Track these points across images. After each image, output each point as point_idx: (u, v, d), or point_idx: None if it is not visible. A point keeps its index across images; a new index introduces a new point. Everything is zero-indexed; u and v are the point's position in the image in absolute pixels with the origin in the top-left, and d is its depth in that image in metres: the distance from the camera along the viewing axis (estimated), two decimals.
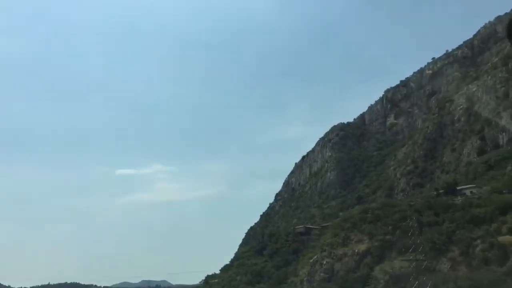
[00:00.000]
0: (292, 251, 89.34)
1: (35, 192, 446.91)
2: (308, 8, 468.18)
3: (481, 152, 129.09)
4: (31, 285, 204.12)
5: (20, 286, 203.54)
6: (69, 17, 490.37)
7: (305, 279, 68.89)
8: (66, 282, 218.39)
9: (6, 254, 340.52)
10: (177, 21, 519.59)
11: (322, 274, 65.42)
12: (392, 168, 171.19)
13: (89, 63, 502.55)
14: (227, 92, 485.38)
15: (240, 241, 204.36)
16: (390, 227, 66.02)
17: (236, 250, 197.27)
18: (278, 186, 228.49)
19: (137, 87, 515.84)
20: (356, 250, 64.91)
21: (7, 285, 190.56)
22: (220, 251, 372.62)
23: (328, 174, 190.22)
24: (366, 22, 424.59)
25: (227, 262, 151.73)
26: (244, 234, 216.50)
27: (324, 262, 66.74)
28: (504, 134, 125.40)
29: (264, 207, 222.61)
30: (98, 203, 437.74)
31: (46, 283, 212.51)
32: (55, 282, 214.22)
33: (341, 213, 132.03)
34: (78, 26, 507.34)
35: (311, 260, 70.00)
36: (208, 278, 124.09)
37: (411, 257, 57.58)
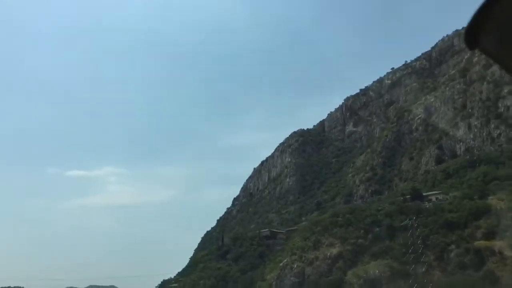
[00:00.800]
0: (257, 255, 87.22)
1: None
2: (270, 15, 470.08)
3: (439, 161, 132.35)
4: None
5: None
6: (13, 17, 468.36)
7: (273, 283, 66.87)
8: (10, 287, 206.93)
9: None
10: (129, 20, 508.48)
11: (292, 278, 63.62)
12: (350, 175, 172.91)
13: (36, 61, 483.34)
14: (182, 95, 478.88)
15: (195, 246, 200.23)
16: (362, 231, 65.16)
17: (191, 254, 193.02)
18: (235, 191, 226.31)
19: (87, 86, 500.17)
20: (328, 254, 63.60)
21: None
22: (173, 256, 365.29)
23: (287, 179, 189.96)
24: (327, 31, 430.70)
25: (181, 267, 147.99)
26: (200, 239, 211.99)
27: (295, 266, 64.99)
28: (461, 144, 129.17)
29: (220, 212, 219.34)
30: (47, 205, 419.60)
31: None
32: None
33: (304, 218, 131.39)
34: (25, 26, 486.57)
35: (281, 264, 68.12)
36: (165, 282, 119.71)
37: (385, 261, 56.85)
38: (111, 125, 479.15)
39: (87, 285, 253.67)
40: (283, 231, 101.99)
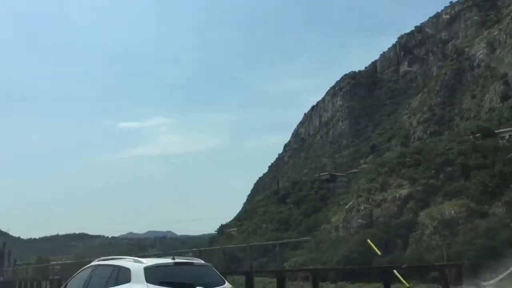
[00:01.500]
0: (319, 198, 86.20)
1: (37, 147, 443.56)
2: None
3: (505, 97, 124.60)
4: (40, 236, 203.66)
5: (29, 237, 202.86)
6: None
7: (340, 225, 65.62)
8: (75, 233, 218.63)
9: (16, 207, 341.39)
10: None
11: (360, 221, 62.11)
12: (406, 116, 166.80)
13: (82, 12, 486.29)
14: (228, 42, 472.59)
15: (246, 192, 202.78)
16: (432, 171, 62.14)
17: (243, 200, 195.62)
18: (285, 138, 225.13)
19: (135, 38, 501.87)
20: (397, 195, 61.28)
21: (16, 236, 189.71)
22: (225, 202, 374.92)
23: (340, 123, 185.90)
24: None
25: (234, 213, 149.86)
26: (252, 185, 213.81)
27: (361, 208, 63.29)
28: None
29: (271, 159, 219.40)
30: (102, 156, 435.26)
31: (55, 233, 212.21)
32: (64, 233, 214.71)
33: (362, 161, 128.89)
34: None
35: (346, 207, 66.55)
36: (223, 227, 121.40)
37: (460, 201, 54.06)
38: (159, 77, 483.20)
39: (146, 230, 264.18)
40: (344, 174, 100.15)
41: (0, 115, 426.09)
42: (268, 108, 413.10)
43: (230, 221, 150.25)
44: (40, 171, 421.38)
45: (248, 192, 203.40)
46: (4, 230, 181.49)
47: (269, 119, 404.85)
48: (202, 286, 7.53)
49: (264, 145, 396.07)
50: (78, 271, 9.00)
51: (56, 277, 31.72)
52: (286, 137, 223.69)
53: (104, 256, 9.00)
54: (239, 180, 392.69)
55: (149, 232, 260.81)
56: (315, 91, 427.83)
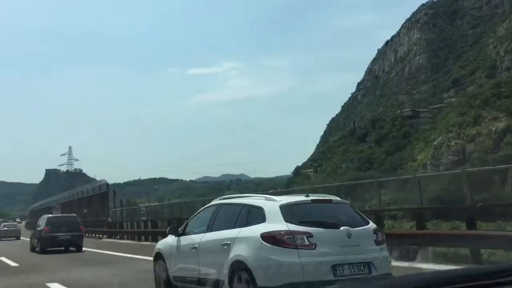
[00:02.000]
0: (402, 135, 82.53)
1: (110, 96, 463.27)
2: None
3: None
4: (124, 181, 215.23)
5: (114, 182, 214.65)
6: None
7: (428, 162, 62.35)
8: (155, 177, 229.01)
9: (100, 155, 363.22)
10: None
11: (450, 157, 58.46)
12: (492, 46, 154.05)
13: None
14: None
15: (318, 133, 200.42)
16: None
17: (316, 141, 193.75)
18: (357, 76, 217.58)
19: None
20: (493, 129, 56.72)
21: (92, 176, 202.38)
22: (297, 144, 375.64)
23: (417, 57, 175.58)
24: None
25: (307, 154, 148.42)
26: (325, 126, 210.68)
27: (452, 144, 59.42)
28: None
29: (344, 98, 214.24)
30: (175, 103, 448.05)
31: (137, 178, 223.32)
32: (145, 178, 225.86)
33: (445, 95, 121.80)
34: None
35: (434, 143, 62.85)
36: (299, 168, 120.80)
37: None
38: (228, 21, 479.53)
39: (221, 174, 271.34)
40: (427, 110, 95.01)
41: (81, 68, 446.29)
42: (338, 46, 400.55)
43: (304, 163, 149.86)
44: (119, 120, 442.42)
45: (321, 133, 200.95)
46: (91, 176, 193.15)
47: (340, 58, 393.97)
48: (347, 226, 6.40)
49: (336, 85, 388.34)
50: (198, 211, 8.16)
51: (149, 218, 32.55)
52: (359, 75, 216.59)
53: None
54: (311, 121, 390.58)
55: (223, 175, 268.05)
56: (389, 25, 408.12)
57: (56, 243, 19.99)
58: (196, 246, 7.36)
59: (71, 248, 20.27)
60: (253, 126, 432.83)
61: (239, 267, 6.34)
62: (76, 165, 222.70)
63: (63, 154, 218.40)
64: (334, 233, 6.31)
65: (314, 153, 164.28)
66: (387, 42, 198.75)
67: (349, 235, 6.30)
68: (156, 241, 21.60)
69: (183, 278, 7.71)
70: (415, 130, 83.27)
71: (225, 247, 6.64)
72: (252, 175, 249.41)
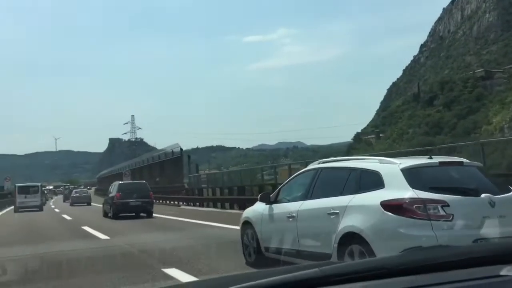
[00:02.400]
0: (474, 98, 77.47)
1: (169, 65, 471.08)
2: None
3: None
4: (183, 149, 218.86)
5: (162, 148, 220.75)
6: None
7: (505, 126, 58.02)
8: (213, 145, 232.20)
9: (158, 123, 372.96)
10: None
11: None
12: None
13: None
14: None
15: (377, 98, 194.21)
16: None
17: (376, 107, 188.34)
18: (420, 37, 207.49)
19: None
20: None
21: (153, 145, 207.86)
22: (355, 110, 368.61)
23: (487, 15, 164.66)
24: None
25: (366, 120, 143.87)
26: (386, 91, 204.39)
27: None
28: None
29: (405, 62, 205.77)
30: (231, 71, 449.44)
31: (195, 146, 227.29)
32: (203, 146, 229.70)
33: None
34: None
35: None
36: (359, 134, 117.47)
37: None
38: None
39: (276, 141, 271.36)
40: (501, 70, 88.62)
41: (142, 37, 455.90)
42: (399, 7, 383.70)
43: (363, 129, 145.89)
44: (177, 89, 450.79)
45: (381, 98, 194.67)
46: (152, 144, 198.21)
47: (400, 19, 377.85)
48: (489, 194, 5.30)
49: (396, 48, 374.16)
50: (292, 177, 7.28)
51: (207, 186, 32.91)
52: (422, 37, 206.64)
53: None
54: (370, 86, 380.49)
55: (279, 143, 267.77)
56: None
57: (127, 209, 20.02)
58: (294, 215, 6.52)
59: (141, 214, 20.14)
60: (310, 92, 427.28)
61: (351, 240, 5.48)
62: (137, 135, 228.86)
63: (126, 123, 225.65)
64: (473, 202, 5.28)
65: (373, 119, 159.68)
66: (453, 0, 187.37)
67: (492, 204, 5.24)
68: (242, 208, 20.29)
69: (278, 249, 6.89)
70: (489, 92, 77.86)
71: (332, 216, 5.78)
72: (308, 142, 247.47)
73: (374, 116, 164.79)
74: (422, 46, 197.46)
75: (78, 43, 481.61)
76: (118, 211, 19.83)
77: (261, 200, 7.44)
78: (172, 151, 39.54)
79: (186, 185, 35.20)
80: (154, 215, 20.34)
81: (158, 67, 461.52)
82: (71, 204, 40.22)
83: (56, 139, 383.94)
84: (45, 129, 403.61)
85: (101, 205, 23.63)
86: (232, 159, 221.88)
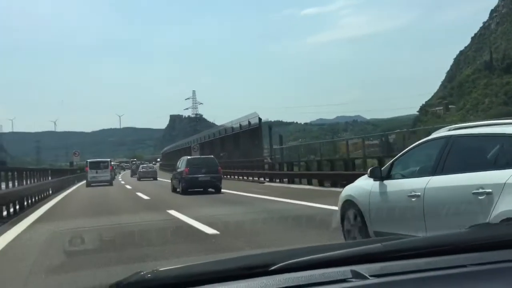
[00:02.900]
0: None
1: (227, 42, 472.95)
2: None
3: None
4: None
5: (222, 124, 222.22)
6: None
7: None
8: (271, 120, 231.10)
9: (217, 99, 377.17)
10: None
11: None
12: None
13: None
14: None
15: (442, 69, 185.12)
16: None
17: (441, 78, 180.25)
18: (490, 2, 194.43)
19: None
20: None
21: (212, 121, 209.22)
22: (417, 82, 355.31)
23: None
24: None
25: (431, 92, 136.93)
26: (452, 60, 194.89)
27: None
28: None
29: (473, 29, 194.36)
30: (287, 46, 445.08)
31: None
32: (263, 120, 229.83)
33: None
34: None
35: None
36: (425, 106, 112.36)
37: None
38: None
39: (335, 116, 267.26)
40: None
41: (200, 14, 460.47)
42: None
43: (428, 101, 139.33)
44: (236, 64, 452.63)
45: (446, 68, 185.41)
46: (211, 121, 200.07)
47: None
48: None
49: (463, 15, 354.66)
50: (410, 147, 6.02)
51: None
52: (492, 1, 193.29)
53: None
54: (432, 56, 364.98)
55: (338, 117, 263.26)
56: None
57: (196, 184, 19.59)
58: (419, 194, 5.25)
59: (209, 190, 19.64)
60: (369, 64, 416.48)
61: None
62: (198, 110, 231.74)
63: (188, 98, 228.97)
64: None
65: (439, 90, 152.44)
66: None
67: None
68: (334, 185, 18.58)
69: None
70: None
71: (481, 197, 4.53)
72: (368, 116, 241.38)
73: (440, 87, 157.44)
74: (492, 11, 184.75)
75: (140, 25, 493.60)
76: (187, 186, 19.41)
77: (372, 175, 6.08)
78: (249, 121, 35.69)
79: (269, 159, 31.35)
80: (233, 192, 19.53)
81: (217, 44, 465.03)
82: (139, 179, 40.66)
83: (120, 117, 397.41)
84: (110, 107, 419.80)
85: (167, 180, 23.53)
86: (290, 134, 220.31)
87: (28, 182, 17.13)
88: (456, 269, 1.42)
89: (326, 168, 23.13)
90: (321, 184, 21.35)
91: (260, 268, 1.43)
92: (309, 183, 22.37)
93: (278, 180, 26.43)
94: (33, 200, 16.64)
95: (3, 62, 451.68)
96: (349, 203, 6.37)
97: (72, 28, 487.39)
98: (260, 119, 33.75)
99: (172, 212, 11.50)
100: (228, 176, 33.35)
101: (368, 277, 1.35)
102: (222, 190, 19.54)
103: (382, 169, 6.02)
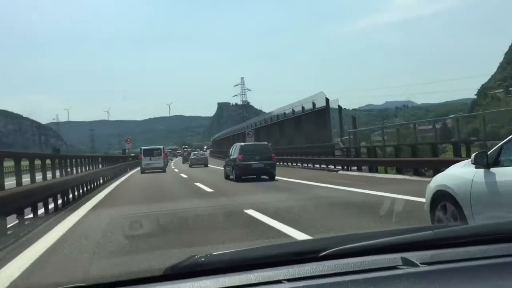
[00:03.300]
0: None
1: (274, 27, 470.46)
2: None
3: None
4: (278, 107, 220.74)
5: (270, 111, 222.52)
6: None
7: None
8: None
9: (264, 85, 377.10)
10: None
11: None
12: None
13: None
14: None
15: (500, 50, 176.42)
16: None
17: (499, 58, 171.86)
18: None
19: None
20: None
21: (259, 108, 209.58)
22: (471, 65, 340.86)
23: None
24: None
25: (488, 73, 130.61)
26: (511, 41, 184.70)
27: None
28: None
29: None
30: (335, 29, 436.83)
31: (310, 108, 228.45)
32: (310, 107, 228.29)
33: None
34: None
35: None
36: (485, 89, 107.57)
37: None
38: None
39: (384, 101, 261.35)
40: None
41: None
42: None
43: (484, 84, 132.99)
44: (282, 50, 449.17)
45: (505, 49, 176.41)
46: (258, 107, 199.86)
47: None
48: None
49: None
50: None
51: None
52: None
53: None
54: (490, 37, 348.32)
55: (387, 103, 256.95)
56: None
57: (250, 171, 19.36)
58: None
59: (262, 177, 19.30)
60: (419, 47, 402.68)
61: None
62: (245, 98, 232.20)
63: (236, 85, 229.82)
64: None
65: (498, 71, 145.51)
66: None
67: None
68: (417, 174, 16.80)
69: None
70: None
71: None
72: (419, 100, 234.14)
73: (498, 69, 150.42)
74: None
75: (190, 13, 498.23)
76: (240, 173, 19.22)
77: (476, 162, 5.18)
78: (313, 102, 31.98)
79: (341, 144, 27.46)
80: (306, 182, 18.70)
81: (265, 31, 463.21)
82: (190, 166, 41.05)
83: (169, 105, 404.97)
84: (159, 95, 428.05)
85: (218, 167, 23.17)
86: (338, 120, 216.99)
87: (83, 169, 17.49)
88: (509, 257, 1.39)
89: (405, 155, 20.38)
90: (398, 171, 19.01)
91: (310, 254, 1.44)
92: (399, 172, 19.01)
93: (355, 168, 22.76)
94: (90, 187, 17.08)
95: (59, 54, 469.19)
96: (442, 194, 5.54)
97: (123, 19, 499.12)
98: (327, 100, 29.73)
99: (226, 199, 11.55)
100: (289, 164, 31.68)
101: (419, 264, 1.33)
102: (290, 180, 18.67)
103: (488, 154, 5.13)
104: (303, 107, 34.50)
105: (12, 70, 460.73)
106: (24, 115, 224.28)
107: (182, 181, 21.55)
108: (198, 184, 17.92)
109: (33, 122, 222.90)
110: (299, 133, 35.15)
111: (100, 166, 22.80)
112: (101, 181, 20.40)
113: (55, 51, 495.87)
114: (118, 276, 1.36)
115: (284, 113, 39.78)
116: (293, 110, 37.14)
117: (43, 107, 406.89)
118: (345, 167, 23.78)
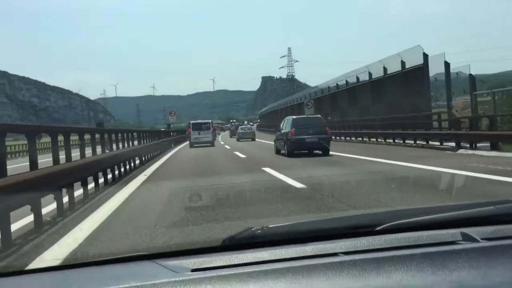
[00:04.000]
0: None
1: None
2: None
3: None
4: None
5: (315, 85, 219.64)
6: None
7: None
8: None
9: (308, 59, 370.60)
10: None
11: None
12: None
13: None
14: None
15: None
16: None
17: None
18: None
19: None
20: None
21: (303, 82, 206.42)
22: None
23: None
24: None
25: None
26: None
27: None
28: None
29: None
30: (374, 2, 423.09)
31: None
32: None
33: None
34: None
35: None
36: None
37: None
38: None
39: (432, 74, 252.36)
40: None
41: None
42: None
43: None
44: (325, 24, 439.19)
45: None
46: (302, 81, 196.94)
47: None
48: None
49: None
50: None
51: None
52: None
53: None
54: None
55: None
56: None
57: (302, 146, 18.44)
58: None
59: (315, 152, 18.32)
60: (468, 16, 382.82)
61: None
62: (292, 70, 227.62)
63: (283, 56, 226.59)
64: None
65: None
66: None
67: None
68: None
69: None
70: None
71: None
72: (470, 71, 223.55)
73: None
74: None
75: None
76: (292, 148, 18.39)
77: None
78: (402, 61, 26.61)
79: (455, 113, 21.19)
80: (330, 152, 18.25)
81: (309, 3, 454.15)
82: (238, 140, 41.04)
83: (213, 80, 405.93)
84: (203, 70, 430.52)
85: (265, 141, 22.58)
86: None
87: (131, 144, 17.54)
88: None
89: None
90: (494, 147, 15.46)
91: (366, 228, 1.43)
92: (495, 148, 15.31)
93: (480, 146, 16.69)
94: (143, 159, 17.49)
95: (107, 32, 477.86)
96: None
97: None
98: (426, 55, 23.92)
99: (283, 177, 10.97)
100: (364, 139, 27.38)
101: (480, 240, 1.29)
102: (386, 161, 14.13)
103: None
104: (384, 68, 29.19)
105: (62, 48, 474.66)
106: (74, 91, 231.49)
107: (231, 156, 21.12)
108: (248, 159, 17.59)
109: (82, 97, 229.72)
110: (379, 100, 29.72)
111: (147, 140, 22.46)
112: (150, 155, 20.45)
113: (104, 30, 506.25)
114: (180, 245, 1.41)
115: (356, 77, 34.53)
116: (369, 72, 31.85)
117: (92, 83, 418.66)
118: (460, 144, 17.53)
